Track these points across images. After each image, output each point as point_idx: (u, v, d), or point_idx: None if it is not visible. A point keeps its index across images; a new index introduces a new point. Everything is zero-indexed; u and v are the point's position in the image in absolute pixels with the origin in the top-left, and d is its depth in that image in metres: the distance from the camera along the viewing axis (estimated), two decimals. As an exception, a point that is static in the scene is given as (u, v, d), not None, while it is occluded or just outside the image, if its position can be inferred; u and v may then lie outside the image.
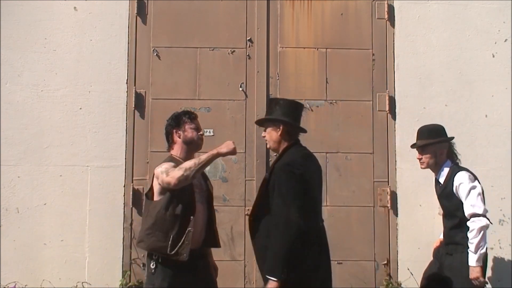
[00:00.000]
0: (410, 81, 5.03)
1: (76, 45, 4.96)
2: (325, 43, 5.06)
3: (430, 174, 4.92)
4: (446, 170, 4.16)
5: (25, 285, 4.70)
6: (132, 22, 5.01)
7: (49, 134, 4.87)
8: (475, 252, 3.92)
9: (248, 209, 4.83)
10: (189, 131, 3.97)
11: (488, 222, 3.96)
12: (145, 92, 4.97)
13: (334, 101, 5.02)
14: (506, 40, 5.08)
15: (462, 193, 4.03)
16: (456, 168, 4.16)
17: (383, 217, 4.91)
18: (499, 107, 5.02)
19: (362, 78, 5.03)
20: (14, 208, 4.81)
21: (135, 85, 4.96)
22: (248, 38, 5.04)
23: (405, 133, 4.96)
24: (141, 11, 5.03)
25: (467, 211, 3.97)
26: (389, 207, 4.92)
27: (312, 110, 5.00)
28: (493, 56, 5.07)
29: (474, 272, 3.92)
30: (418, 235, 4.87)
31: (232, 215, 4.84)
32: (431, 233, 4.86)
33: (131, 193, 4.83)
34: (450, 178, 4.11)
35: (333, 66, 5.04)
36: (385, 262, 4.86)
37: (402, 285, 4.80)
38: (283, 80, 5.02)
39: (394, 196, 4.93)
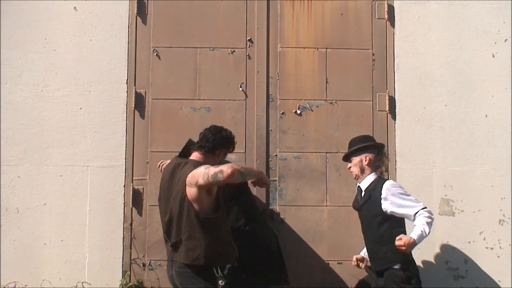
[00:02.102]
0: (410, 81, 5.03)
1: (76, 45, 4.96)
2: (325, 43, 5.06)
3: (430, 174, 4.94)
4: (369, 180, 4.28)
5: (25, 285, 4.70)
6: (132, 22, 5.01)
7: (49, 134, 4.88)
8: (423, 231, 4.01)
9: (248, 209, 4.85)
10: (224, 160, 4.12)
11: None
12: (145, 92, 4.97)
13: (334, 101, 5.02)
14: (506, 40, 5.08)
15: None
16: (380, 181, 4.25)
17: (383, 217, 4.91)
18: (499, 107, 5.02)
19: (362, 78, 5.03)
20: (14, 208, 4.81)
21: (135, 85, 4.96)
22: (248, 38, 5.04)
23: (405, 133, 4.97)
24: (141, 11, 5.03)
25: None
26: (389, 207, 4.91)
27: (312, 110, 5.00)
28: (493, 56, 5.07)
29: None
30: (418, 235, 4.87)
31: (232, 215, 4.83)
32: (431, 233, 4.85)
33: (131, 193, 4.83)
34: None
35: (333, 66, 5.04)
36: (385, 262, 4.86)
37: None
38: (283, 80, 5.02)
39: (394, 196, 4.93)
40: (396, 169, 4.95)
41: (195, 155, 4.00)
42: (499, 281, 4.86)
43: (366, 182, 4.25)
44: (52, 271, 4.77)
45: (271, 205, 4.89)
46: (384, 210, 4.12)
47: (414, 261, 4.21)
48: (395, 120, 5.01)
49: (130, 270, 4.79)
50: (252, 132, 4.96)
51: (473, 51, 5.07)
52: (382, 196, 4.13)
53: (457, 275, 4.87)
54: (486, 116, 5.02)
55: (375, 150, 4.31)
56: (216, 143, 3.97)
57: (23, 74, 4.92)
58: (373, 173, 4.26)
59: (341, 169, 4.93)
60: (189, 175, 3.76)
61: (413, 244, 3.95)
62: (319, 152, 4.96)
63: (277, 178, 4.93)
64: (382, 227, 4.13)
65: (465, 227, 4.90)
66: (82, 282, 4.74)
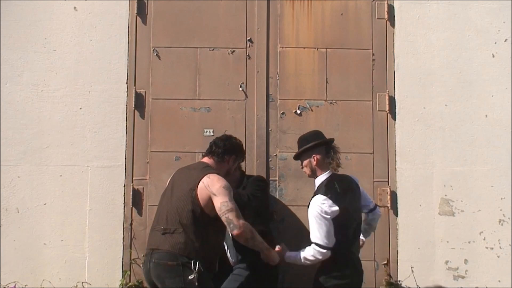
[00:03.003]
0: (410, 81, 5.03)
1: (76, 45, 4.96)
2: (325, 43, 5.06)
3: (430, 174, 4.94)
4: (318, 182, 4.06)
5: (25, 285, 4.70)
6: (132, 22, 5.01)
7: (49, 134, 4.88)
8: (298, 258, 3.94)
9: (248, 209, 4.86)
10: (233, 170, 4.23)
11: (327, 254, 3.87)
12: (145, 92, 4.97)
13: (334, 101, 5.02)
14: (506, 40, 5.08)
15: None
16: (321, 188, 3.99)
17: (383, 217, 4.89)
18: (499, 107, 5.02)
19: (362, 78, 5.03)
20: (14, 208, 4.81)
21: (135, 85, 4.96)
22: (248, 38, 5.04)
23: (405, 133, 4.97)
24: (141, 11, 5.03)
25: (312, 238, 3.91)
26: (389, 207, 4.92)
27: (312, 110, 5.00)
28: (493, 56, 5.07)
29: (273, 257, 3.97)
30: (418, 235, 4.88)
31: (232, 215, 4.83)
32: (431, 233, 4.88)
33: (131, 193, 4.83)
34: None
35: (333, 66, 5.04)
36: (385, 262, 4.86)
37: (402, 285, 4.80)
38: (283, 80, 5.02)
39: (394, 196, 4.93)
40: (396, 169, 4.95)
41: (206, 160, 4.10)
42: (499, 281, 4.86)
43: (318, 181, 4.08)
44: (52, 271, 4.77)
45: (271, 205, 4.89)
46: None
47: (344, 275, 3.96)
48: (395, 120, 5.01)
49: (130, 270, 4.79)
50: (252, 132, 4.96)
51: (473, 51, 5.07)
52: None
53: (457, 275, 4.87)
54: (486, 116, 5.01)
55: (322, 149, 4.09)
56: (226, 148, 4.09)
57: (23, 74, 4.92)
58: (326, 172, 4.05)
59: (341, 169, 4.91)
60: (209, 180, 3.85)
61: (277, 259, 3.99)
62: (319, 152, 4.95)
63: (277, 178, 4.93)
64: None
65: (465, 227, 4.90)
66: (82, 282, 4.74)
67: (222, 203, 3.80)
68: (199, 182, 3.86)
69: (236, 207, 3.84)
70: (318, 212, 3.87)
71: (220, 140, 4.14)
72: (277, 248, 4.06)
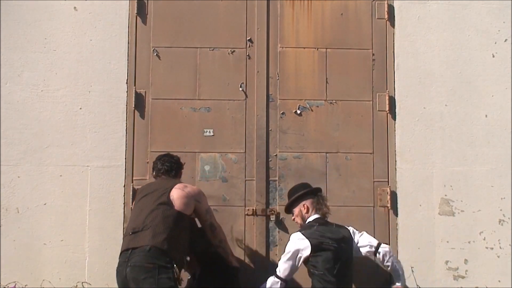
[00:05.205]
0: (410, 81, 5.03)
1: (76, 45, 4.96)
2: (325, 43, 5.06)
3: (430, 174, 4.94)
4: None
5: (25, 285, 4.70)
6: (132, 22, 5.01)
7: (49, 134, 4.88)
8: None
9: (248, 209, 4.86)
10: None
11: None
12: (145, 92, 4.97)
13: (334, 101, 5.02)
14: (506, 40, 5.08)
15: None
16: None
17: (383, 217, 4.91)
18: (499, 107, 5.02)
19: (362, 78, 5.04)
20: (14, 208, 4.81)
21: (135, 85, 4.96)
22: (248, 38, 5.04)
23: (405, 133, 4.97)
24: (141, 11, 5.03)
25: None
26: (389, 207, 4.92)
27: (312, 110, 5.00)
28: (493, 56, 5.07)
29: None
30: (418, 235, 4.88)
31: (232, 215, 4.84)
32: (431, 233, 4.87)
33: (131, 193, 4.83)
34: None
35: (333, 66, 5.04)
36: (385, 262, 4.86)
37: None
38: (283, 80, 5.02)
39: (394, 196, 4.93)
40: (396, 169, 4.95)
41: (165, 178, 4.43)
42: (499, 281, 4.86)
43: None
44: (52, 271, 4.77)
45: (271, 204, 4.89)
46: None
47: None
48: (395, 120, 5.01)
49: (130, 270, 4.78)
50: (252, 132, 4.96)
51: (473, 51, 5.07)
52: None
53: (457, 275, 4.87)
54: (486, 116, 5.02)
55: (311, 197, 4.42)
56: (176, 164, 4.49)
57: (23, 74, 4.92)
58: (314, 215, 4.38)
59: (341, 169, 4.93)
60: (193, 190, 4.32)
61: None
62: (319, 152, 4.96)
63: (277, 178, 4.93)
64: None
65: (465, 227, 4.90)
66: (82, 282, 4.74)
67: (206, 209, 4.37)
68: (171, 188, 4.23)
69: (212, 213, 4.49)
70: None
71: (166, 158, 4.48)
72: None
